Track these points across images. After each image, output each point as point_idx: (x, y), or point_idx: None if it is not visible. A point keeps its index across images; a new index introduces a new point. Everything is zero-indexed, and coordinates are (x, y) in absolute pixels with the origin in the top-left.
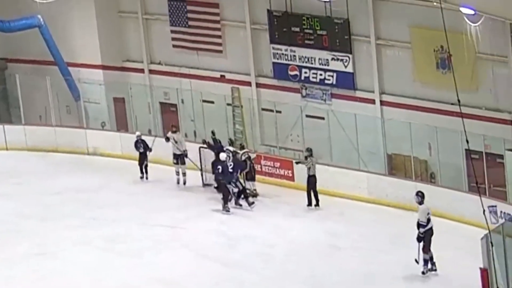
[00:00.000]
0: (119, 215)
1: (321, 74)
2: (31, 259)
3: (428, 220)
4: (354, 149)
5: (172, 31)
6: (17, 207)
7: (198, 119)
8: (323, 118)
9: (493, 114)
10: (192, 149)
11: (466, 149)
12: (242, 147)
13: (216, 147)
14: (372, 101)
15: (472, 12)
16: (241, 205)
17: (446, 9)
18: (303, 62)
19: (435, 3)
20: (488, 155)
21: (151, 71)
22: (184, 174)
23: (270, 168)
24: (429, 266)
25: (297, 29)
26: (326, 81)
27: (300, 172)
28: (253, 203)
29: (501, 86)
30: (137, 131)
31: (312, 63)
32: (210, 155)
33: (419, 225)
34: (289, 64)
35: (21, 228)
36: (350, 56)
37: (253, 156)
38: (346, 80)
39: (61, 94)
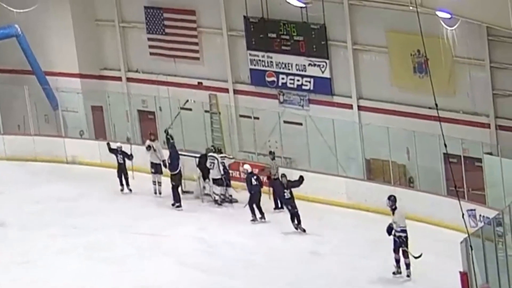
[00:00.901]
0: (100, 223)
1: (298, 80)
2: (13, 268)
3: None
4: (332, 154)
5: (149, 39)
6: None
7: (176, 126)
8: (301, 124)
9: (471, 117)
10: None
11: (444, 153)
12: (219, 151)
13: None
14: (350, 106)
15: (448, 16)
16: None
17: (422, 13)
18: (280, 68)
19: (411, 7)
20: (467, 159)
21: (129, 79)
22: (160, 183)
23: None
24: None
25: (274, 35)
26: (304, 87)
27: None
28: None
29: (478, 89)
30: (117, 142)
31: (289, 69)
32: (188, 162)
33: (401, 231)
34: (266, 70)
35: (3, 237)
36: (327, 61)
37: (230, 161)
38: (324, 86)
39: (39, 103)
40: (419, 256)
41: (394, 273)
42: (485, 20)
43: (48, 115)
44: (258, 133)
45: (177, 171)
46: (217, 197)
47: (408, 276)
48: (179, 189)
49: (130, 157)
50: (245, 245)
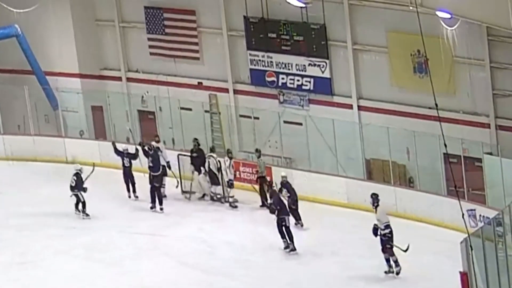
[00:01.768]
0: (99, 223)
1: (298, 80)
2: (12, 268)
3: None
4: (332, 154)
5: (149, 39)
6: None
7: (176, 126)
8: (301, 124)
9: (471, 117)
10: (170, 156)
11: (444, 153)
12: (211, 150)
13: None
14: (350, 106)
15: (448, 16)
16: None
17: (423, 13)
18: (280, 68)
19: (411, 7)
20: (466, 159)
21: (129, 79)
22: (163, 185)
23: (248, 174)
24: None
25: (274, 35)
26: (304, 87)
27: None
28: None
29: (479, 89)
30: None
31: (289, 69)
32: (188, 162)
33: (385, 227)
34: (266, 70)
35: (2, 238)
36: (327, 61)
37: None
38: (324, 86)
39: (39, 103)
40: (407, 249)
41: (386, 272)
42: (485, 20)
43: (48, 115)
44: (258, 133)
45: (159, 172)
46: (213, 195)
47: (397, 273)
48: (179, 188)
49: (135, 156)
50: (245, 245)
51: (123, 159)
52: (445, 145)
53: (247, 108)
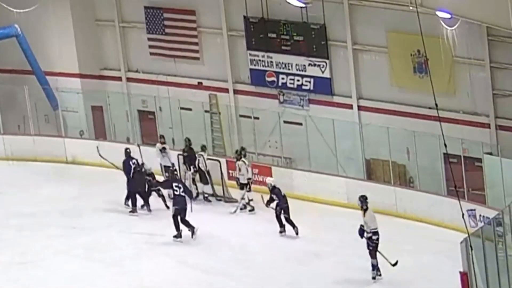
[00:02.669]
0: (99, 223)
1: (298, 80)
2: (12, 268)
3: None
4: (332, 154)
5: (149, 39)
6: None
7: (176, 126)
8: (301, 124)
9: (471, 117)
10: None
11: (444, 153)
12: (202, 149)
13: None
14: (350, 106)
15: (448, 16)
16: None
17: (423, 13)
18: (280, 68)
19: (411, 8)
20: (467, 159)
21: (129, 79)
22: None
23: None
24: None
25: (274, 35)
26: (304, 87)
27: (280, 178)
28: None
29: (479, 89)
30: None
31: (289, 69)
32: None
33: (373, 233)
34: (266, 70)
35: (2, 238)
36: (327, 61)
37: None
38: (324, 86)
39: (39, 103)
40: (395, 264)
41: (373, 277)
42: (485, 20)
43: (48, 115)
44: (258, 133)
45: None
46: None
47: (377, 277)
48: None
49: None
50: (245, 245)
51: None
52: (445, 145)
53: (247, 108)
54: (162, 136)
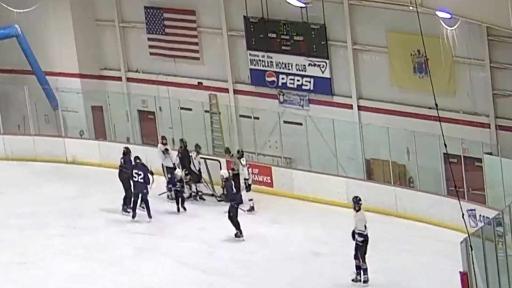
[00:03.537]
0: (99, 223)
1: (298, 80)
2: (12, 268)
3: (365, 228)
4: (332, 154)
5: (149, 39)
6: None
7: (176, 126)
8: (301, 124)
9: (471, 117)
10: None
11: (444, 153)
12: (195, 148)
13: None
14: (350, 106)
15: (448, 16)
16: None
17: (423, 13)
18: (280, 68)
19: (411, 7)
20: (466, 158)
21: (129, 79)
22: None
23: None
24: (362, 277)
25: (274, 35)
26: (304, 87)
27: (280, 178)
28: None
29: (479, 89)
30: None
31: (289, 69)
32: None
33: (358, 234)
34: (266, 70)
35: (2, 238)
36: (327, 61)
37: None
38: (324, 86)
39: (39, 103)
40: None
41: (353, 280)
42: (485, 20)
43: (48, 115)
44: (258, 133)
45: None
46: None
47: (364, 282)
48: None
49: (149, 179)
50: (245, 245)
51: (138, 176)
52: (445, 145)
53: (247, 108)
54: (164, 137)
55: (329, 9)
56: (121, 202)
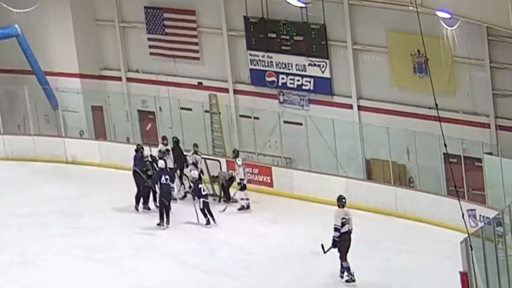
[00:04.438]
0: (99, 223)
1: (298, 80)
2: (12, 268)
3: (343, 224)
4: (332, 154)
5: (149, 39)
6: None
7: (176, 126)
8: (301, 124)
9: (471, 117)
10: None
11: (444, 153)
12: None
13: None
14: (350, 106)
15: (448, 16)
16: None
17: (423, 13)
18: (280, 68)
19: (411, 7)
20: (466, 159)
21: (129, 79)
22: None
23: (248, 174)
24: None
25: (274, 35)
26: (304, 87)
27: (280, 178)
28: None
29: (479, 89)
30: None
31: (289, 69)
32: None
33: (334, 229)
34: (266, 70)
35: (2, 238)
36: (327, 61)
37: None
38: (324, 86)
39: (39, 103)
40: (327, 250)
41: (347, 281)
42: (485, 20)
43: (48, 115)
44: (258, 133)
45: None
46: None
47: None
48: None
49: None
50: (244, 245)
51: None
52: (445, 145)
53: (247, 108)
54: (164, 138)
55: (329, 9)
56: (139, 201)
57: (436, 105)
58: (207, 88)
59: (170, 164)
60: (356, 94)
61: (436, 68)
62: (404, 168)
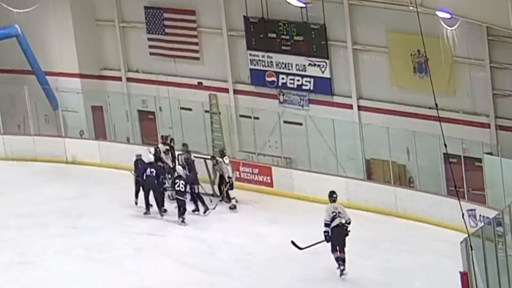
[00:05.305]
0: (99, 223)
1: (298, 80)
2: (12, 268)
3: (333, 218)
4: (332, 154)
5: (149, 39)
6: None
7: (176, 126)
8: (301, 124)
9: (471, 117)
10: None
11: (444, 153)
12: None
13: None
14: (350, 106)
15: (448, 16)
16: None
17: (423, 13)
18: (280, 68)
19: (411, 7)
20: (466, 158)
21: (129, 79)
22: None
23: (248, 174)
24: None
25: (274, 35)
26: (304, 87)
27: (280, 178)
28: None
29: (479, 89)
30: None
31: (289, 69)
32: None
33: (324, 224)
34: (266, 70)
35: (2, 238)
36: (327, 61)
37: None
38: (324, 86)
39: (40, 103)
40: (301, 248)
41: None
42: (485, 20)
43: (48, 115)
44: (258, 133)
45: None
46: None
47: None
48: None
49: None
50: (244, 245)
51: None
52: (445, 145)
53: (247, 108)
54: (164, 137)
55: (329, 9)
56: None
57: (436, 105)
58: (207, 88)
59: (170, 164)
60: (356, 94)
61: (436, 68)
62: (404, 168)
